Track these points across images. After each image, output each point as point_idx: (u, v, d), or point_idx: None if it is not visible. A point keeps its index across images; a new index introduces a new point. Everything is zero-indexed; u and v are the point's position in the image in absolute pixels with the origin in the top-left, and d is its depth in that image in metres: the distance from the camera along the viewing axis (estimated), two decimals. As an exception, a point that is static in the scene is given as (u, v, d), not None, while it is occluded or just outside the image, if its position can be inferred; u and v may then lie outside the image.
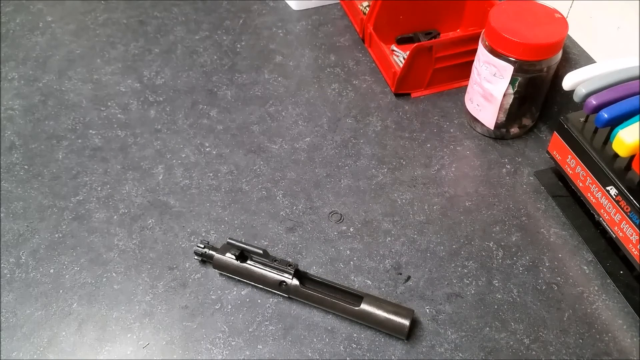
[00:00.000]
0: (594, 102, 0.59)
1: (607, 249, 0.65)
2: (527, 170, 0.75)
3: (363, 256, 0.67)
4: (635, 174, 0.57)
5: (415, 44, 0.79)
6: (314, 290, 0.60)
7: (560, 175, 0.71)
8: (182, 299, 0.63)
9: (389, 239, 0.68)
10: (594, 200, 0.62)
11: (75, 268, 0.66)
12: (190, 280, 0.65)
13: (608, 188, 0.59)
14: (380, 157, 0.78)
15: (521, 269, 0.65)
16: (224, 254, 0.63)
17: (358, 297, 0.59)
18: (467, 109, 0.80)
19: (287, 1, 1.04)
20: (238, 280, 0.64)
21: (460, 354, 0.58)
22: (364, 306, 0.58)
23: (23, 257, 0.67)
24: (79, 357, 0.59)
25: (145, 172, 0.77)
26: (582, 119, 0.63)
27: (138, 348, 0.59)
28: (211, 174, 0.76)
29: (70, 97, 0.88)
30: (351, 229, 0.69)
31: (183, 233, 0.69)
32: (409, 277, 0.64)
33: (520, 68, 0.69)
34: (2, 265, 0.66)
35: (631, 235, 0.57)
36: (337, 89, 0.88)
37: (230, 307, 0.62)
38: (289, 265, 0.61)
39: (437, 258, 0.66)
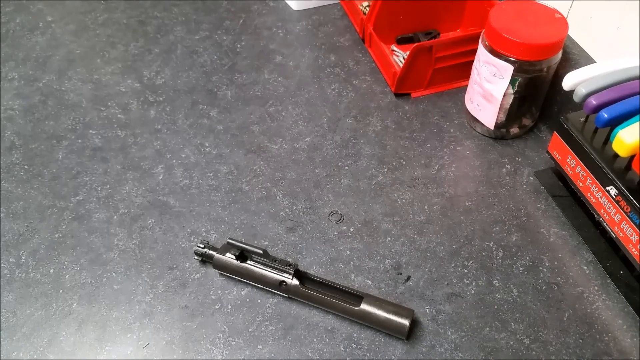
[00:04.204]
0: (594, 102, 0.59)
1: (607, 249, 0.65)
2: (527, 170, 0.75)
3: (363, 256, 0.67)
4: (635, 174, 0.57)
5: (415, 44, 0.79)
6: (314, 290, 0.60)
7: (560, 175, 0.71)
8: (182, 299, 0.63)
9: (389, 239, 0.68)
10: (594, 200, 0.62)
11: (75, 268, 0.66)
12: (190, 280, 0.65)
13: (608, 188, 0.59)
14: (380, 157, 0.78)
15: (521, 269, 0.65)
16: (224, 254, 0.63)
17: (358, 297, 0.59)
18: (467, 109, 0.80)
19: (287, 1, 1.04)
20: (238, 280, 0.64)
21: (460, 354, 0.58)
22: (364, 306, 0.58)
23: (23, 257, 0.67)
24: (79, 357, 0.59)
25: (145, 172, 0.77)
26: (582, 119, 0.63)
27: (138, 348, 0.59)
28: (211, 174, 0.76)
29: (70, 97, 0.88)
30: (351, 229, 0.69)
31: (183, 233, 0.69)
32: (409, 277, 0.64)
33: (520, 68, 0.69)
34: (2, 265, 0.66)
35: (631, 235, 0.57)
36: (337, 89, 0.88)
37: (230, 307, 0.62)
38: (289, 265, 0.61)
39: (437, 258, 0.66)
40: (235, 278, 0.64)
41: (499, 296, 0.62)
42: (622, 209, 0.57)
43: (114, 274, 0.66)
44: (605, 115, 0.57)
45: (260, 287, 0.63)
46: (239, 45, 0.96)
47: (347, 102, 0.86)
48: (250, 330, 0.60)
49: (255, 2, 1.05)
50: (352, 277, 0.65)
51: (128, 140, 0.81)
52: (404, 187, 0.74)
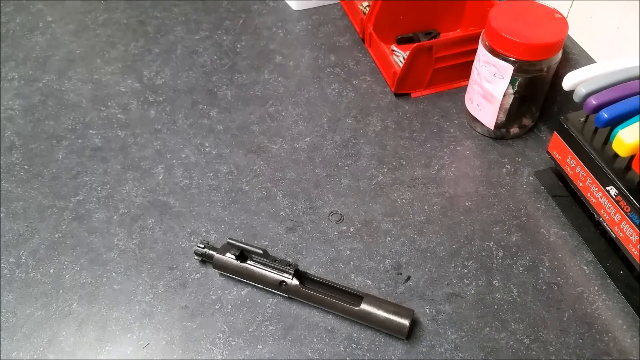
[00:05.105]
0: (594, 102, 0.59)
1: (607, 249, 0.65)
2: (527, 170, 0.75)
3: (363, 256, 0.67)
4: (635, 174, 0.57)
5: (415, 44, 0.79)
6: (314, 290, 0.60)
7: (560, 175, 0.71)
8: (182, 299, 0.63)
9: (389, 239, 0.68)
10: (594, 200, 0.62)
11: (75, 268, 0.66)
12: (190, 280, 0.65)
13: (608, 188, 0.59)
14: (380, 157, 0.78)
15: (521, 269, 0.65)
16: (224, 254, 0.63)
17: (358, 297, 0.59)
18: (467, 109, 0.80)
19: (287, 1, 1.04)
20: (238, 280, 0.64)
21: (460, 354, 0.58)
22: (364, 306, 0.58)
23: (23, 257, 0.67)
24: (79, 357, 0.59)
25: (145, 172, 0.77)
26: (582, 119, 0.63)
27: (138, 348, 0.59)
28: (211, 174, 0.76)
29: (70, 97, 0.88)
30: (351, 229, 0.69)
31: (183, 233, 0.69)
32: (409, 277, 0.64)
33: (520, 68, 0.69)
34: (2, 265, 0.66)
35: (631, 235, 0.57)
36: (337, 89, 0.88)
37: (230, 307, 0.62)
38: (289, 265, 0.61)
39: (437, 258, 0.66)
40: (235, 278, 0.64)
41: (499, 296, 0.62)
42: (622, 209, 0.57)
43: (114, 274, 0.66)
44: (605, 115, 0.57)
45: (260, 287, 0.63)
46: (239, 45, 0.96)
47: (347, 102, 0.86)
48: (250, 330, 0.60)
49: (255, 2, 1.05)
50: (352, 277, 0.65)
51: (128, 140, 0.81)
52: (404, 187, 0.74)
